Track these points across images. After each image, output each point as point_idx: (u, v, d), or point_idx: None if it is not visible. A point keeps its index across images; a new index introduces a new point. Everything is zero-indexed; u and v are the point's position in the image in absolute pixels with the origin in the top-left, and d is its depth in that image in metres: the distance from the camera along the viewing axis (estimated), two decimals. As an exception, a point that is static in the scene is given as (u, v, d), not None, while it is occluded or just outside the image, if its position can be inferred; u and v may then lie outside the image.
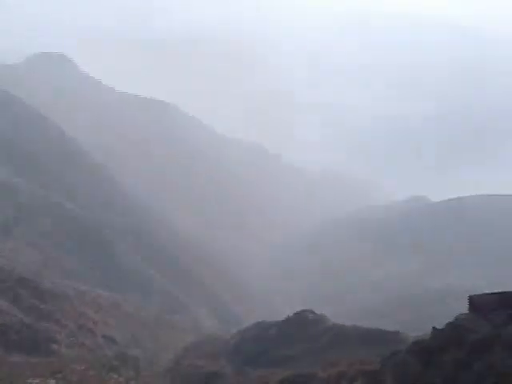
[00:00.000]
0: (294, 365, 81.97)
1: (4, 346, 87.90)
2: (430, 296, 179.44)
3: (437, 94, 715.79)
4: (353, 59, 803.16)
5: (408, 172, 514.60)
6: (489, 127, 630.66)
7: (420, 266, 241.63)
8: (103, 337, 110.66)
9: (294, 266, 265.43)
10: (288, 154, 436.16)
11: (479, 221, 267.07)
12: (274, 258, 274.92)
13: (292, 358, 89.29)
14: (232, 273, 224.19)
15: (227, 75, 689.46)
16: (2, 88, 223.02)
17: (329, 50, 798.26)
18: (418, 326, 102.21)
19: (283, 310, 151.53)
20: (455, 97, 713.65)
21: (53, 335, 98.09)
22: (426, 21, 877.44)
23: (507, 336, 32.06)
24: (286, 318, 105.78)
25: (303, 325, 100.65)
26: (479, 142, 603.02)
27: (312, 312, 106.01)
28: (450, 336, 37.58)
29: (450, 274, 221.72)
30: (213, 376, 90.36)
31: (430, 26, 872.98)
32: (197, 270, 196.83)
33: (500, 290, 36.51)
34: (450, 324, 38.23)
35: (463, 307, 38.37)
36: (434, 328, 42.54)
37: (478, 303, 37.77)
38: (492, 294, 37.67)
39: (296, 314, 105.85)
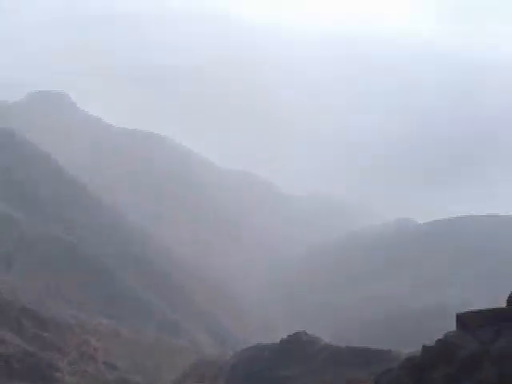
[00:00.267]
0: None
1: (8, 375, 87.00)
2: (420, 314, 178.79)
3: (423, 118, 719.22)
4: (342, 85, 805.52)
5: (393, 195, 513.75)
6: (473, 151, 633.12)
7: (410, 286, 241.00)
8: (104, 363, 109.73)
9: (287, 289, 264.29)
10: (277, 180, 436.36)
11: (466, 241, 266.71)
12: (268, 281, 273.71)
13: (289, 378, 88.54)
14: (228, 296, 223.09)
15: (219, 108, 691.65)
16: (3, 125, 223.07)
17: (318, 76, 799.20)
18: (410, 343, 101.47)
19: (278, 332, 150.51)
20: (441, 120, 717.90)
21: (55, 363, 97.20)
22: (413, 48, 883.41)
23: (495, 352, 31.60)
24: (282, 340, 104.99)
25: (298, 346, 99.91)
26: (464, 166, 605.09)
27: (306, 333, 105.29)
28: (440, 353, 37.13)
29: (440, 293, 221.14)
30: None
31: (417, 53, 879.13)
32: (194, 294, 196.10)
33: (487, 307, 36.20)
34: (439, 341, 37.78)
35: (454, 324, 37.92)
36: (424, 345, 41.99)
37: (465, 320, 37.34)
38: (479, 310, 37.26)
39: (291, 335, 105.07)
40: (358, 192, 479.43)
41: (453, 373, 34.81)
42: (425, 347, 40.73)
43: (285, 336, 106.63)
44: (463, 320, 36.83)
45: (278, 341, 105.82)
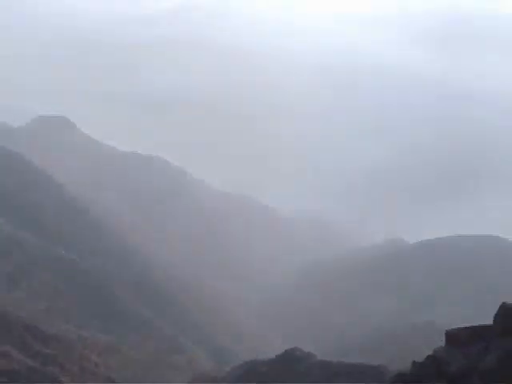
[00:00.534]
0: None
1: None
2: (409, 331, 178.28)
3: (411, 141, 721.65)
4: (332, 112, 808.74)
5: (382, 216, 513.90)
6: (460, 174, 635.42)
7: (399, 304, 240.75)
8: (105, 378, 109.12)
9: (281, 307, 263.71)
10: (271, 203, 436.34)
11: (453, 260, 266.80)
12: (261, 300, 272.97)
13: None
14: (224, 314, 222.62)
15: (216, 132, 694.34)
16: (8, 148, 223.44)
17: (304, 102, 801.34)
18: (400, 359, 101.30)
19: (273, 348, 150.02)
20: (429, 144, 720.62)
21: (58, 378, 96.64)
22: (406, 76, 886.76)
23: (483, 367, 31.54)
24: (276, 356, 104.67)
25: (292, 361, 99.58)
26: (450, 188, 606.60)
27: (300, 350, 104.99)
28: (430, 368, 36.87)
29: (429, 311, 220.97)
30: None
31: (404, 80, 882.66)
32: (192, 312, 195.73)
33: (476, 324, 36.21)
34: (429, 357, 37.53)
35: (442, 341, 37.87)
36: (413, 361, 41.82)
37: (454, 337, 37.18)
38: (467, 327, 37.13)
39: (285, 351, 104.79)
40: (347, 214, 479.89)
41: (442, 388, 34.78)
42: (414, 363, 40.65)
43: (279, 352, 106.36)
44: (452, 336, 36.79)
45: (272, 357, 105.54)
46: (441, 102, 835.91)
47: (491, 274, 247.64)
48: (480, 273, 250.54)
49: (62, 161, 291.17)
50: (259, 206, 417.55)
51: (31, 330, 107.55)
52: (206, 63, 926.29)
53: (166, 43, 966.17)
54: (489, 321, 36.60)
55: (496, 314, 35.63)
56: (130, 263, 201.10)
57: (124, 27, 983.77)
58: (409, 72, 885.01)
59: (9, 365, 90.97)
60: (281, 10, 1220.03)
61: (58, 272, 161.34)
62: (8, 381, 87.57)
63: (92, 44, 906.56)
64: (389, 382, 44.83)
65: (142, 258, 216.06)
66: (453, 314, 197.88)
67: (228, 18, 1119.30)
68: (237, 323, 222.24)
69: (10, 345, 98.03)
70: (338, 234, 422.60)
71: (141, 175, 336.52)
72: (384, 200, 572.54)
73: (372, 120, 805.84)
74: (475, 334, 36.57)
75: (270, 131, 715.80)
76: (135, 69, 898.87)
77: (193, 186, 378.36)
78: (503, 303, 35.94)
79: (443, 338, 39.43)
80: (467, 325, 39.14)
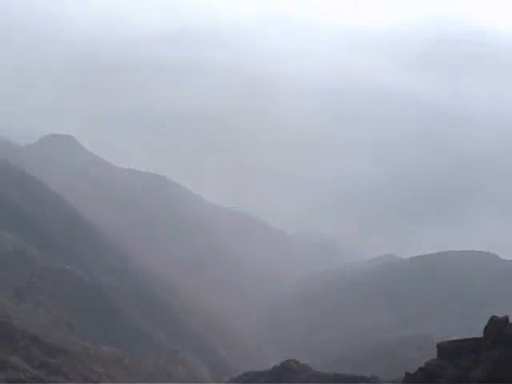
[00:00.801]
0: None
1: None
2: (402, 344, 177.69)
3: (403, 162, 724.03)
4: (324, 131, 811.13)
5: (377, 233, 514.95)
6: (449, 195, 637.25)
7: (393, 318, 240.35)
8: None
9: (278, 320, 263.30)
10: (271, 220, 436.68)
11: (444, 275, 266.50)
12: (260, 314, 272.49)
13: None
14: (224, 327, 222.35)
15: (221, 152, 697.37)
16: (17, 167, 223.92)
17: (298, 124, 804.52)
18: (394, 371, 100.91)
19: (270, 360, 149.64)
20: (420, 164, 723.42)
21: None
22: (395, 96, 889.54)
23: (474, 378, 31.61)
24: (273, 368, 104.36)
25: (289, 373, 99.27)
26: (441, 208, 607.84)
27: (296, 362, 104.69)
28: (422, 380, 37.01)
29: (421, 324, 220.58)
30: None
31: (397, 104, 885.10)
32: (192, 325, 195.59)
33: (466, 337, 36.31)
34: (421, 369, 37.69)
35: (434, 353, 37.91)
36: (406, 373, 41.91)
37: (445, 349, 37.37)
38: (458, 340, 37.28)
39: (282, 363, 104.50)
40: (343, 231, 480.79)
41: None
42: (408, 374, 40.68)
43: (276, 364, 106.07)
44: (443, 349, 36.86)
45: (269, 368, 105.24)
46: (436, 124, 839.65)
47: (480, 289, 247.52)
48: (470, 287, 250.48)
49: (69, 178, 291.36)
50: (258, 221, 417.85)
51: (37, 342, 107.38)
52: (206, 83, 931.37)
53: (167, 64, 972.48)
54: (478, 334, 36.68)
55: (486, 327, 35.76)
56: (132, 277, 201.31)
57: (132, 48, 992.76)
58: (405, 95, 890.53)
59: (16, 375, 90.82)
60: (280, 35, 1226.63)
61: (62, 285, 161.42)
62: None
63: (95, 65, 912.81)
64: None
65: (144, 272, 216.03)
66: (444, 328, 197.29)
67: (227, 40, 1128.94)
68: (235, 336, 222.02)
69: (17, 356, 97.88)
70: (336, 249, 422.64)
71: (142, 192, 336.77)
72: (380, 218, 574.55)
73: (369, 142, 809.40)
74: (466, 346, 36.66)
75: (269, 149, 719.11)
76: (140, 88, 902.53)
77: (196, 203, 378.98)
78: (493, 317, 36.09)
79: (435, 351, 39.50)
80: (458, 338, 39.24)
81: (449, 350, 37.41)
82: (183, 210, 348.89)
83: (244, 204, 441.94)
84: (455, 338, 38.51)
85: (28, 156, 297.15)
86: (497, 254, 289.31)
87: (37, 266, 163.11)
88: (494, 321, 34.35)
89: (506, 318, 34.41)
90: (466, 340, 36.25)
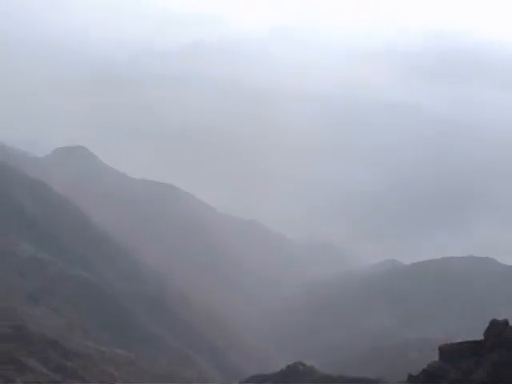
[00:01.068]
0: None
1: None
2: (405, 346, 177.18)
3: (406, 169, 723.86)
4: (328, 137, 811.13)
5: (379, 240, 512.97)
6: (450, 195, 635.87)
7: (396, 320, 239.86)
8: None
9: (284, 325, 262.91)
10: (277, 227, 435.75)
11: (445, 279, 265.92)
12: (268, 318, 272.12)
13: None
14: (233, 332, 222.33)
15: (227, 162, 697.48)
16: (33, 177, 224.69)
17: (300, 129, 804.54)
18: (397, 373, 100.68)
19: (278, 362, 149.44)
20: (422, 171, 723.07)
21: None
22: (405, 111, 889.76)
23: (475, 380, 31.72)
24: (280, 370, 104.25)
25: (296, 375, 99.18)
26: (442, 214, 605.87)
27: (302, 364, 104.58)
28: (425, 382, 37.13)
29: (423, 327, 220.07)
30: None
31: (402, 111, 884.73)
32: (202, 330, 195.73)
33: (467, 340, 36.37)
34: (424, 371, 37.78)
35: (436, 356, 37.94)
36: (409, 374, 41.96)
37: (447, 351, 37.43)
38: (459, 343, 37.36)
39: (289, 366, 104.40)
40: (343, 235, 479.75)
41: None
42: (410, 376, 40.73)
43: (283, 367, 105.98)
44: (445, 351, 36.91)
45: (277, 371, 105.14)
46: (435, 130, 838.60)
47: (480, 293, 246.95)
48: (470, 291, 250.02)
49: (83, 188, 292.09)
50: (263, 228, 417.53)
51: (53, 346, 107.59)
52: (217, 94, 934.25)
53: (177, 79, 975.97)
54: (479, 336, 36.74)
55: (486, 330, 35.80)
56: (144, 283, 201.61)
57: (143, 61, 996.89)
58: (404, 101, 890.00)
59: (33, 378, 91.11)
60: (281, 44, 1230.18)
61: (77, 291, 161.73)
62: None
63: (108, 79, 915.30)
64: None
65: (156, 278, 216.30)
66: (445, 330, 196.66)
67: (229, 50, 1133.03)
68: (244, 340, 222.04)
69: (34, 359, 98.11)
70: (335, 253, 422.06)
71: (151, 199, 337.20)
72: (380, 222, 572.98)
73: (369, 147, 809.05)
74: (467, 348, 36.71)
75: (270, 154, 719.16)
76: (150, 102, 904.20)
77: (204, 211, 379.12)
78: (493, 320, 36.15)
79: (436, 352, 39.54)
80: (459, 340, 39.28)
81: (450, 353, 37.45)
82: (192, 218, 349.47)
83: (245, 209, 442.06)
84: (456, 340, 38.52)
85: (44, 166, 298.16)
86: (496, 259, 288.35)
87: (50, 271, 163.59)
88: (494, 323, 34.44)
89: (506, 321, 34.54)
90: (466, 342, 36.31)
